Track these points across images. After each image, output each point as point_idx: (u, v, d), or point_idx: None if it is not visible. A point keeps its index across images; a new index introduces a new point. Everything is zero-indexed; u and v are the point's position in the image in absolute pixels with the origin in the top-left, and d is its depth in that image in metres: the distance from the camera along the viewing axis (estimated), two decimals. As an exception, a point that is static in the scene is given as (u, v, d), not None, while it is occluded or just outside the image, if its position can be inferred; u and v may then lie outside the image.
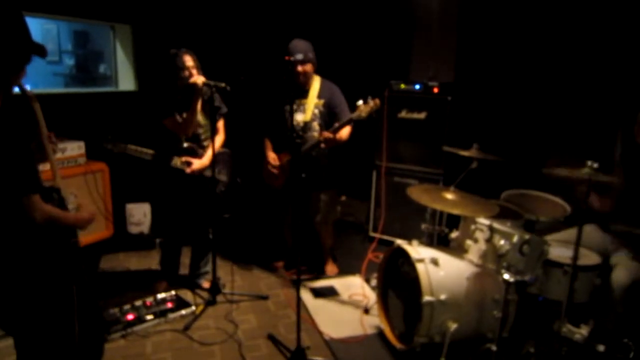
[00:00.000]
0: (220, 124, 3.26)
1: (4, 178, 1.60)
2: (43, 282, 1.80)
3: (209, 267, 3.44)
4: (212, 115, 3.04)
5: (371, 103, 3.09)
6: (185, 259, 3.52)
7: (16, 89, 1.87)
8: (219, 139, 3.23)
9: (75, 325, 1.86)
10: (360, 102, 3.10)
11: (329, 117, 3.40)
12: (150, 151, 3.05)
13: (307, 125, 3.37)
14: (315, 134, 3.36)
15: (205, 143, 3.19)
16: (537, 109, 4.08)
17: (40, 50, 1.74)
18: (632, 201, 2.64)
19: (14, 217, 1.65)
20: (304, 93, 3.38)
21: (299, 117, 3.38)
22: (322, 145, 3.27)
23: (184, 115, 3.05)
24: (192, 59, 3.03)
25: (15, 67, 1.72)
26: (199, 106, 3.03)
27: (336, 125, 3.20)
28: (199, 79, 2.93)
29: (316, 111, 3.39)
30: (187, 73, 2.98)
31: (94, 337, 2.08)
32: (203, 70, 3.07)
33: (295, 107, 3.35)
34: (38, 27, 5.50)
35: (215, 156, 3.08)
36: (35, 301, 1.79)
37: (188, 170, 3.11)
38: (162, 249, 3.46)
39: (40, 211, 1.67)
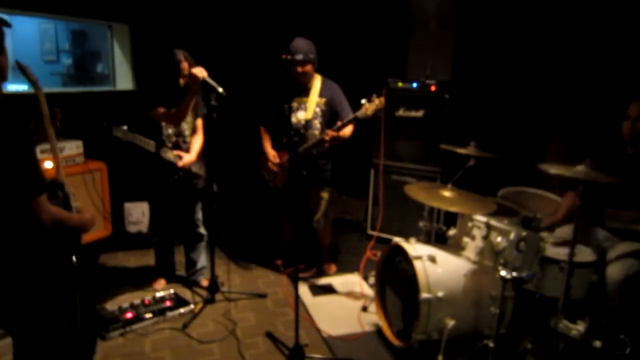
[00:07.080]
0: (199, 124, 3.27)
1: (10, 180, 1.55)
2: (47, 282, 1.79)
3: (204, 262, 3.46)
4: (208, 115, 3.04)
5: (376, 101, 3.08)
6: (182, 258, 3.52)
7: (22, 88, 1.83)
8: (199, 138, 3.26)
9: (78, 325, 1.85)
10: (365, 101, 3.09)
11: (330, 115, 3.40)
12: (153, 142, 3.04)
13: (308, 124, 3.37)
14: (317, 132, 3.36)
15: (188, 139, 3.23)
16: (535, 106, 4.10)
17: (2, 21, 1.68)
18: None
19: (20, 219, 1.62)
20: (305, 91, 3.38)
21: (301, 115, 3.38)
22: (327, 145, 3.27)
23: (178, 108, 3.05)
24: (183, 54, 3.04)
25: None
26: (193, 99, 3.03)
27: (339, 123, 3.20)
28: (201, 72, 2.89)
29: (317, 109, 3.38)
30: (183, 66, 3.00)
31: (88, 335, 2.08)
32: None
33: (296, 105, 3.36)
34: (35, 27, 5.49)
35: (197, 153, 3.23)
36: (38, 300, 1.78)
37: (180, 163, 3.13)
38: (156, 246, 3.47)
39: (47, 213, 1.63)
